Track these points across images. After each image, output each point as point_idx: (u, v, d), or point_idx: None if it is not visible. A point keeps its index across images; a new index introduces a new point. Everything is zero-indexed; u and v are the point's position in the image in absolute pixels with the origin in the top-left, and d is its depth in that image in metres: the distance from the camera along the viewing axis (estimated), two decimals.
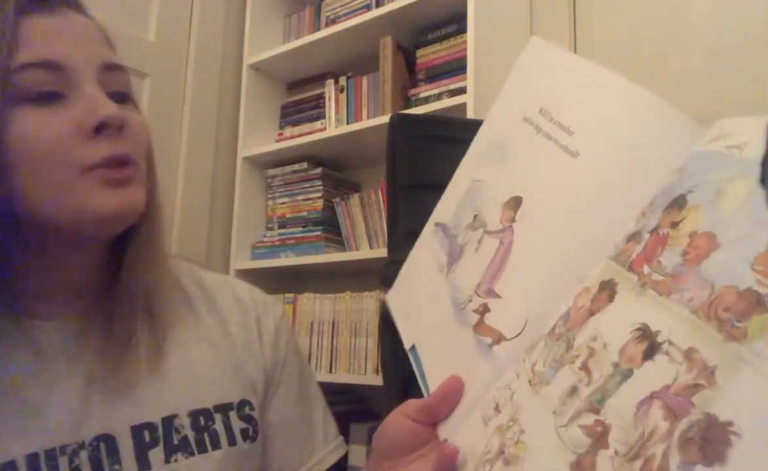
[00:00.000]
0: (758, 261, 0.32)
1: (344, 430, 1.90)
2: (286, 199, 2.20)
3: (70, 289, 0.57)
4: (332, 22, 2.14)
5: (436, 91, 1.88)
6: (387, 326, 1.21)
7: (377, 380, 1.78)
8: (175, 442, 0.56)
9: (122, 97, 0.56)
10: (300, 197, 2.17)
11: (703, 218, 0.36)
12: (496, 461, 0.41)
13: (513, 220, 0.49)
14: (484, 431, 0.43)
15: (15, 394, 0.52)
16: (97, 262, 0.58)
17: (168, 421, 0.56)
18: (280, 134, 2.29)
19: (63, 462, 0.51)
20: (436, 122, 1.54)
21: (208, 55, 2.27)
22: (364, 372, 1.88)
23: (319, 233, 2.08)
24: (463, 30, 1.79)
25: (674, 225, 0.37)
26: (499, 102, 0.57)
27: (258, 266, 2.15)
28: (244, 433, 0.61)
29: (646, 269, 0.37)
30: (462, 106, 1.71)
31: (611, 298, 0.39)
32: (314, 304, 2.03)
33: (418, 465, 0.48)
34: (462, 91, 1.76)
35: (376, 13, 1.96)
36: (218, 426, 0.59)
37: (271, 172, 2.25)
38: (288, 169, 2.20)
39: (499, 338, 0.46)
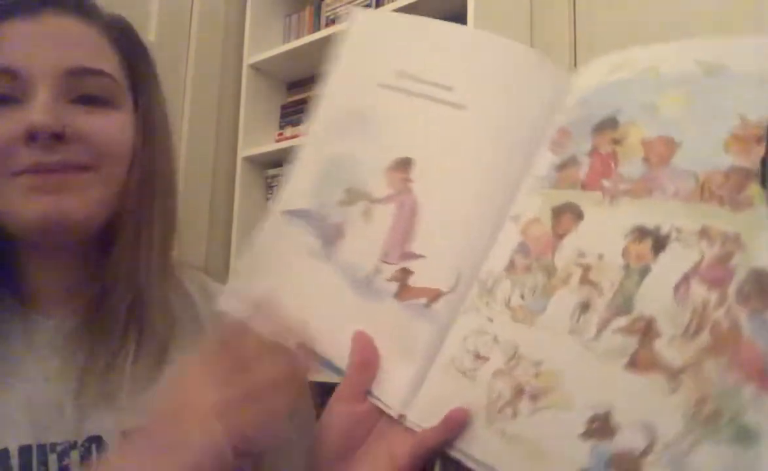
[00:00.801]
0: (728, 145, 0.36)
1: None
2: None
3: (67, 289, 0.57)
4: (332, 22, 2.14)
5: None
6: None
7: None
8: None
9: (93, 101, 0.54)
10: None
11: (647, 129, 0.40)
12: (517, 401, 0.40)
13: (408, 181, 0.49)
14: (474, 383, 0.42)
15: (12, 386, 0.52)
16: (88, 264, 0.57)
17: None
18: (280, 134, 2.28)
19: (52, 459, 0.50)
20: None
21: (208, 55, 2.26)
22: None
23: None
24: None
25: (616, 142, 0.41)
26: (336, 77, 0.56)
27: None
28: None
29: (606, 184, 0.41)
30: None
31: (579, 218, 0.41)
32: None
33: (384, 450, 0.45)
34: None
35: None
36: None
37: (271, 172, 2.23)
38: (288, 169, 2.19)
39: (436, 295, 0.45)
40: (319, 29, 2.21)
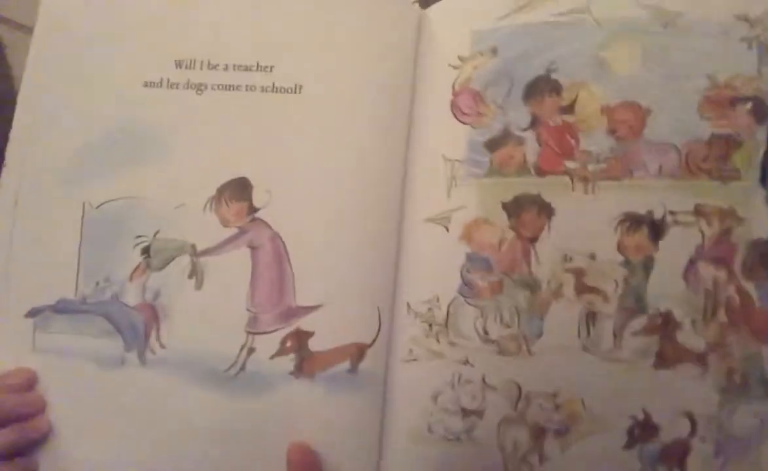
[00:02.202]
0: (702, 109, 0.34)
1: None
2: None
3: None
4: None
5: None
6: None
7: None
8: None
9: None
10: None
11: (601, 92, 0.35)
12: (541, 444, 0.34)
13: (253, 210, 0.36)
14: (476, 445, 0.34)
15: None
16: None
17: None
18: None
19: None
20: None
21: None
22: None
23: None
24: None
25: (565, 110, 0.35)
26: (49, 90, 0.38)
27: None
28: None
29: (571, 164, 0.35)
30: None
31: (549, 213, 0.35)
32: None
33: None
34: None
35: None
36: None
37: None
38: None
39: (360, 351, 0.35)
40: None
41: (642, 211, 0.34)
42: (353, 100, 0.36)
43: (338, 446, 0.34)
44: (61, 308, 0.35)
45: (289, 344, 0.34)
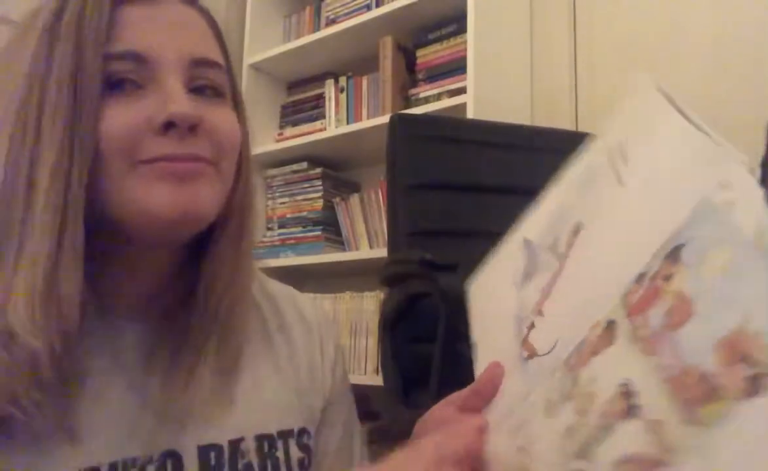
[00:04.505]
0: (719, 346, 0.34)
1: None
2: (286, 199, 2.21)
3: (151, 291, 0.55)
4: (332, 22, 2.15)
5: (436, 91, 1.89)
6: (387, 327, 1.22)
7: (377, 380, 1.78)
8: (239, 467, 0.54)
9: (212, 93, 0.54)
10: (300, 197, 2.18)
11: (688, 280, 0.38)
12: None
13: (571, 246, 0.50)
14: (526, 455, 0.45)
15: (99, 395, 0.50)
16: (174, 269, 0.56)
17: (234, 445, 0.55)
18: (280, 134, 2.31)
19: None
20: (437, 122, 1.54)
21: None
22: (364, 372, 1.89)
23: (318, 233, 2.09)
24: (463, 30, 1.81)
25: (667, 279, 0.39)
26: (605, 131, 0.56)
27: (258, 266, 2.15)
28: (300, 462, 0.59)
29: (639, 320, 0.40)
30: (462, 106, 1.72)
31: (611, 341, 0.41)
32: None
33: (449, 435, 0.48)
34: (462, 91, 1.77)
35: (376, 13, 1.98)
36: (280, 453, 0.57)
37: (271, 172, 2.26)
38: (288, 169, 2.21)
39: (532, 353, 0.48)
40: (319, 29, 2.19)
41: (636, 388, 0.38)
42: (634, 214, 0.45)
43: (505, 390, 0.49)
44: (528, 244, 0.55)
45: (529, 325, 0.50)
